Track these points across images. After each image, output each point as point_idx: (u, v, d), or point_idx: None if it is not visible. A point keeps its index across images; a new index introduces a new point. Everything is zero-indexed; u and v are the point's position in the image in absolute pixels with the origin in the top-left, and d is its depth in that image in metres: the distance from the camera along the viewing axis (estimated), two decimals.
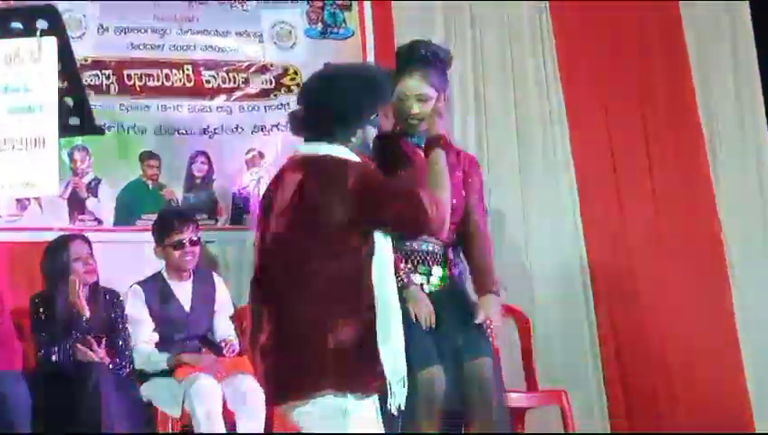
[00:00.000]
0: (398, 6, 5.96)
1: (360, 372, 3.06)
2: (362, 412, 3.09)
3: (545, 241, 5.96)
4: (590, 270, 5.97)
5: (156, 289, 5.05)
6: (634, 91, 6.30)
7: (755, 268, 6.27)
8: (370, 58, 5.84)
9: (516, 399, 5.27)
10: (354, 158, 3.25)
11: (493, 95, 6.15)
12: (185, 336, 5.01)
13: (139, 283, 5.07)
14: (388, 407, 3.14)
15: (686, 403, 5.72)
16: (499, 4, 6.27)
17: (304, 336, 3.06)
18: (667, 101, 6.37)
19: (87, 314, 4.69)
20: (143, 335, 4.95)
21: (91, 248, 4.85)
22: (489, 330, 3.89)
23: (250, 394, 4.58)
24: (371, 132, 3.37)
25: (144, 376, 4.88)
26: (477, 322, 3.82)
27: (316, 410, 3.04)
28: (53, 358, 4.65)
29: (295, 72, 5.79)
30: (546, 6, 6.30)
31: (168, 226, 5.00)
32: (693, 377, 5.79)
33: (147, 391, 4.81)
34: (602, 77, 6.27)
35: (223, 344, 4.98)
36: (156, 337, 4.97)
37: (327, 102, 3.30)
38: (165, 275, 5.07)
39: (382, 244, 3.18)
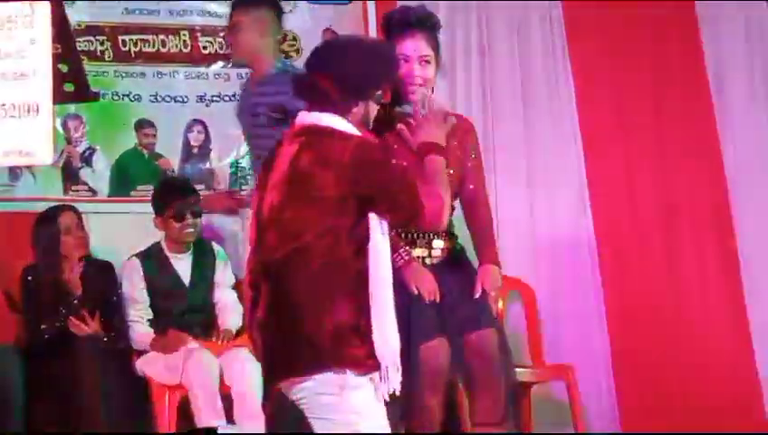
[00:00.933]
0: None
1: (357, 350, 3.06)
2: (362, 389, 3.09)
3: (551, 215, 5.95)
4: (597, 243, 5.95)
5: (154, 261, 5.04)
6: (647, 92, 6.23)
7: (765, 237, 6.22)
8: (372, 24, 5.83)
9: (522, 374, 5.26)
10: (354, 131, 3.20)
11: (500, 89, 6.12)
12: (184, 309, 4.99)
13: (136, 255, 5.05)
14: (383, 393, 3.14)
15: (695, 377, 5.67)
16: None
17: (301, 313, 3.06)
18: (681, 99, 6.31)
19: (79, 292, 4.72)
20: (137, 313, 4.94)
21: (81, 220, 4.85)
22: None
23: (247, 368, 4.55)
24: (373, 108, 3.34)
25: (141, 350, 4.89)
26: (477, 294, 3.84)
27: (317, 386, 3.05)
28: (42, 331, 4.64)
29: (294, 38, 5.80)
30: (558, 6, 6.27)
31: (169, 197, 4.96)
32: (702, 350, 5.76)
33: (142, 365, 4.81)
34: (615, 76, 6.20)
35: (220, 333, 4.96)
36: (150, 314, 4.96)
37: (332, 70, 3.27)
38: (164, 246, 5.04)
39: (377, 234, 3.16)
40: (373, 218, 3.13)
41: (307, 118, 3.24)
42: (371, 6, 5.85)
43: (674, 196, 6.08)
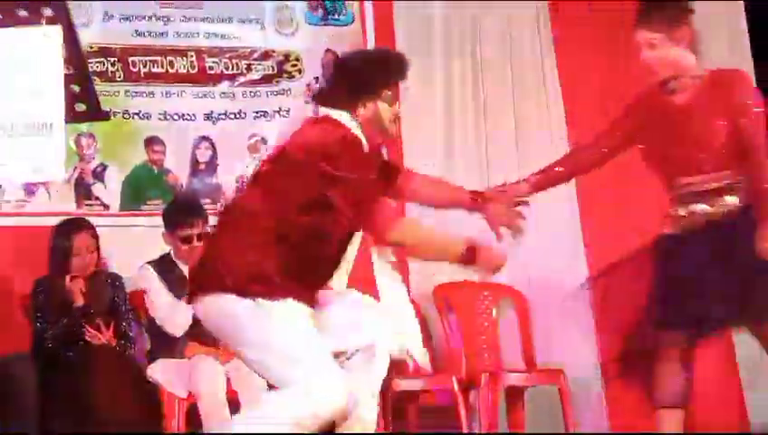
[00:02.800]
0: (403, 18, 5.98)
1: (275, 287, 3.14)
2: (273, 310, 3.14)
3: (544, 230, 5.86)
4: (587, 254, 5.97)
5: (165, 270, 5.00)
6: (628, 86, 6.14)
7: None
8: (370, 44, 5.85)
9: (515, 378, 5.37)
10: (349, 123, 3.34)
11: (492, 92, 6.15)
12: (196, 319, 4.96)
13: (149, 262, 5.03)
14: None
15: None
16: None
17: (238, 234, 3.21)
18: None
19: (80, 302, 4.71)
20: (163, 297, 4.91)
21: (95, 235, 4.84)
22: None
23: (252, 375, 4.52)
24: (386, 111, 3.42)
25: (152, 358, 4.90)
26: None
27: (221, 302, 3.16)
28: (47, 341, 4.66)
29: (297, 59, 5.81)
30: (545, 6, 6.28)
31: (179, 219, 4.94)
32: None
33: (153, 372, 4.82)
34: (599, 75, 6.21)
35: None
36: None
37: (341, 73, 3.52)
38: (173, 257, 5.02)
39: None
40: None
41: (322, 111, 3.44)
42: (370, 26, 5.88)
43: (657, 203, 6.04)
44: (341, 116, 3.36)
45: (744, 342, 5.77)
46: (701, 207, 3.76)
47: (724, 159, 3.71)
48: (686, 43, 3.80)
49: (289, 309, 3.16)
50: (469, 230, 5.58)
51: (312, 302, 3.30)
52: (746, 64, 6.31)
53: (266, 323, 3.11)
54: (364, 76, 3.43)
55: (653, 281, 3.89)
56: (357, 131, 3.34)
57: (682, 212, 3.82)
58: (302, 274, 3.22)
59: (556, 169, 4.15)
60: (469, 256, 3.51)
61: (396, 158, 5.73)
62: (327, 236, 3.27)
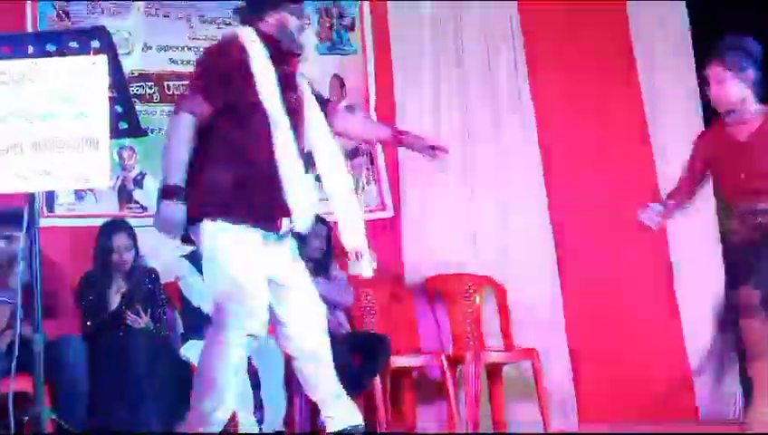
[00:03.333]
0: (394, 25, 5.87)
1: (235, 206, 3.20)
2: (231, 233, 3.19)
3: (519, 228, 5.82)
4: (557, 251, 5.86)
5: (196, 263, 4.80)
6: (591, 80, 6.06)
7: (695, 266, 6.00)
8: (371, 71, 5.81)
9: (495, 356, 5.37)
10: (245, 35, 3.34)
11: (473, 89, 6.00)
12: None
13: (183, 256, 4.84)
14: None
15: (630, 355, 5.55)
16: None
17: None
18: (617, 89, 6.17)
19: (122, 292, 4.66)
20: (198, 284, 4.67)
21: (132, 235, 4.74)
22: None
23: (271, 352, 4.42)
24: (294, 23, 3.39)
25: (185, 339, 4.81)
26: None
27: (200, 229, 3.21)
28: (94, 326, 4.59)
29: (309, 83, 5.63)
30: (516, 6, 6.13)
31: None
32: (637, 336, 5.66)
33: (186, 351, 4.71)
34: (564, 70, 6.07)
35: None
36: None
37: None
38: None
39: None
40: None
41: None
42: (371, 55, 5.79)
43: (615, 205, 5.78)
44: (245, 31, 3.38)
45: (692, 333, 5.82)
46: None
47: None
48: (750, 82, 3.73)
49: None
50: (467, 230, 5.73)
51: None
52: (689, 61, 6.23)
53: None
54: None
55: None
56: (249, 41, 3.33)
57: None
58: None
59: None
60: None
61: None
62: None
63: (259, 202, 3.25)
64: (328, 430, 3.45)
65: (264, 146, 3.24)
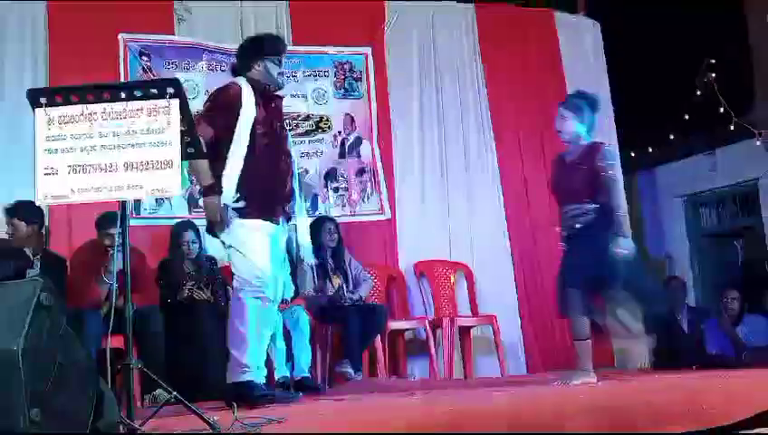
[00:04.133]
0: (392, 77, 5.87)
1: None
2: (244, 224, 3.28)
3: (482, 225, 5.81)
4: (510, 241, 5.85)
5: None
6: (534, 109, 6.00)
7: None
8: (374, 110, 5.78)
9: (465, 321, 5.36)
10: (239, 82, 3.40)
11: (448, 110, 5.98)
12: None
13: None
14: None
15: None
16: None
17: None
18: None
19: (189, 274, 4.68)
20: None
21: (197, 231, 4.74)
22: None
23: (300, 319, 4.48)
24: (273, 69, 3.43)
25: None
26: None
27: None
28: (169, 298, 4.63)
29: (327, 120, 5.67)
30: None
31: None
32: None
33: None
34: (519, 82, 6.08)
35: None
36: None
37: (239, 53, 3.56)
38: None
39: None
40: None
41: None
42: (373, 99, 5.76)
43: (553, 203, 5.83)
44: (240, 79, 3.42)
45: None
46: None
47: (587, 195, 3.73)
48: (585, 123, 3.84)
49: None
50: (444, 228, 5.73)
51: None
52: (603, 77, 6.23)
53: None
54: (248, 48, 3.51)
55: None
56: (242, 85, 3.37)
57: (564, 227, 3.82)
58: None
59: None
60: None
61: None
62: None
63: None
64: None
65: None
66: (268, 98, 3.46)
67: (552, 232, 5.66)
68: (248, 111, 3.33)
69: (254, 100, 3.35)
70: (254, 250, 3.28)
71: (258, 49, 3.47)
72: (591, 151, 3.78)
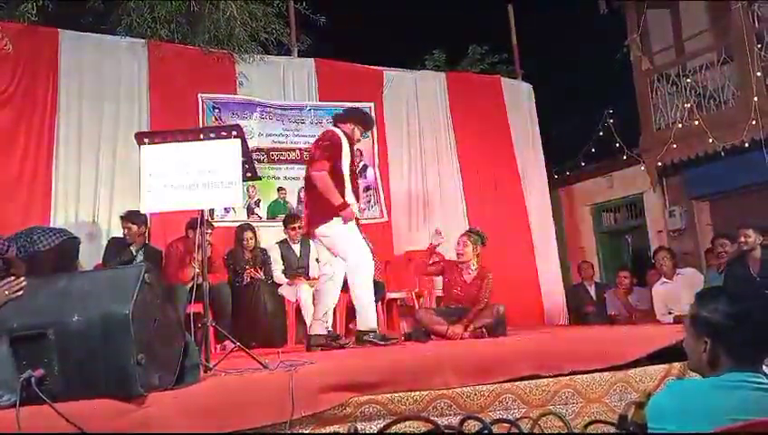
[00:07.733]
0: (388, 128, 5.83)
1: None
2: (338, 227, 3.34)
3: (450, 225, 5.66)
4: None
5: (284, 245, 4.86)
6: (490, 138, 6.02)
7: (543, 239, 6.06)
8: (376, 147, 5.73)
9: (438, 291, 5.08)
10: (337, 131, 3.47)
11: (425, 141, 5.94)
12: (297, 266, 4.81)
13: (276, 242, 4.88)
14: None
15: (509, 289, 5.29)
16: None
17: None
18: (498, 146, 6.08)
19: (248, 260, 4.61)
20: (280, 264, 4.77)
21: (254, 231, 4.70)
22: None
23: (326, 288, 4.32)
24: (357, 131, 3.59)
25: (278, 286, 4.72)
26: None
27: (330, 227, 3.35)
28: (234, 277, 4.56)
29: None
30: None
31: (288, 221, 4.85)
32: (517, 289, 5.51)
33: (281, 290, 4.67)
34: (477, 128, 6.02)
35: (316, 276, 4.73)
36: (283, 268, 4.77)
37: (347, 115, 3.65)
38: (287, 238, 4.87)
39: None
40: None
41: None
42: (376, 145, 5.69)
43: (501, 214, 5.85)
44: (338, 129, 3.50)
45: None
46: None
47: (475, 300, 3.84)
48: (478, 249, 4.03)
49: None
50: (426, 226, 5.67)
51: None
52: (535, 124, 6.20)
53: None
54: (348, 113, 3.60)
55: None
56: (341, 135, 3.45)
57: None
58: None
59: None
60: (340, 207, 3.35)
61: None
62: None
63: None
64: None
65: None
66: (351, 144, 3.58)
67: (493, 236, 5.69)
68: (345, 151, 3.47)
69: (346, 144, 3.48)
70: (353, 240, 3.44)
71: (356, 119, 3.62)
72: (481, 274, 3.90)
